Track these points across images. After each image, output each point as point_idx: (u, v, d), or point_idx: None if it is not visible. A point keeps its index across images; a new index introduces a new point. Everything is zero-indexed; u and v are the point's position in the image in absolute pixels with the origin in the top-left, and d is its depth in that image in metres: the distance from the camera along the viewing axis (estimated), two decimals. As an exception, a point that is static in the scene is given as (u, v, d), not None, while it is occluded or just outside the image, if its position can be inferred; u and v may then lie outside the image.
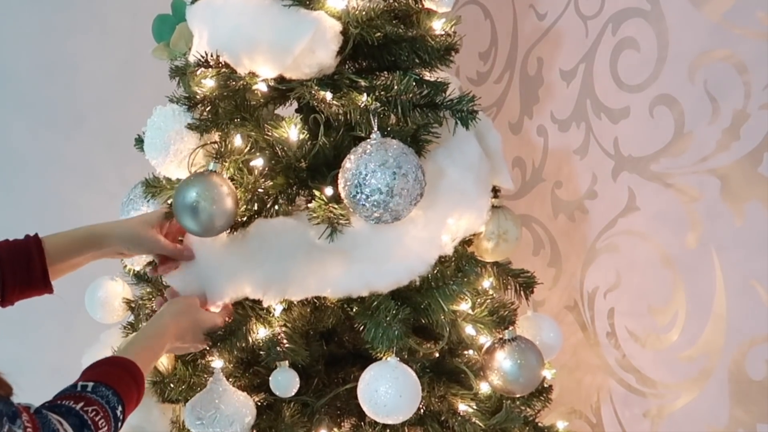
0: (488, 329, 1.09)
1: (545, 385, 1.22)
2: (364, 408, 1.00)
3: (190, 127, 1.08)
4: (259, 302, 1.07)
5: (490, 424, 1.13)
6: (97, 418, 0.78)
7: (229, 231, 1.05)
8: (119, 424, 0.83)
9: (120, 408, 0.83)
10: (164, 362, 1.14)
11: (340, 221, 1.00)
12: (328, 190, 1.04)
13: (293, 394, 1.07)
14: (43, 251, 0.98)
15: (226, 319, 1.06)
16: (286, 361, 1.06)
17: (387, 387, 0.97)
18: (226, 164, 1.06)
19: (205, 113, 1.09)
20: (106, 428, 0.80)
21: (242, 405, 1.05)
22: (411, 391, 0.98)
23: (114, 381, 0.84)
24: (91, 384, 0.82)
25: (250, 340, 1.07)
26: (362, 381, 1.00)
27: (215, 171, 1.00)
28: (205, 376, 1.10)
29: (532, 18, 1.58)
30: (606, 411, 1.41)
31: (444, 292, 1.04)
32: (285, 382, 1.05)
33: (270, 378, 1.06)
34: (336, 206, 1.00)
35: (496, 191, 1.16)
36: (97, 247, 1.03)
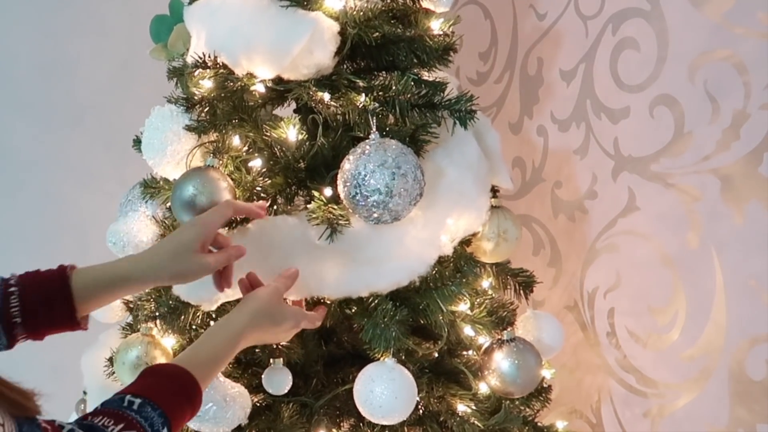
0: (487, 330, 1.09)
1: (544, 385, 1.22)
2: (360, 408, 1.00)
3: (188, 128, 1.07)
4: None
5: (488, 425, 1.12)
6: None
7: (228, 228, 1.04)
8: None
9: (164, 431, 0.78)
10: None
11: (340, 222, 0.99)
12: (327, 191, 1.04)
13: (286, 391, 1.06)
14: (72, 294, 0.87)
15: (311, 319, 1.01)
16: (280, 359, 1.06)
17: (383, 388, 0.96)
18: (224, 160, 1.05)
19: (203, 114, 1.09)
20: None
21: (232, 394, 1.03)
22: (407, 392, 0.98)
23: (163, 399, 0.79)
24: (138, 401, 0.77)
25: None
26: (358, 381, 1.00)
27: (213, 166, 1.00)
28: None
29: (532, 18, 1.58)
30: (606, 411, 1.41)
31: (442, 292, 1.04)
32: (278, 378, 1.06)
33: (263, 375, 1.06)
34: (335, 207, 1.00)
35: (495, 191, 1.16)
36: (137, 287, 0.94)
